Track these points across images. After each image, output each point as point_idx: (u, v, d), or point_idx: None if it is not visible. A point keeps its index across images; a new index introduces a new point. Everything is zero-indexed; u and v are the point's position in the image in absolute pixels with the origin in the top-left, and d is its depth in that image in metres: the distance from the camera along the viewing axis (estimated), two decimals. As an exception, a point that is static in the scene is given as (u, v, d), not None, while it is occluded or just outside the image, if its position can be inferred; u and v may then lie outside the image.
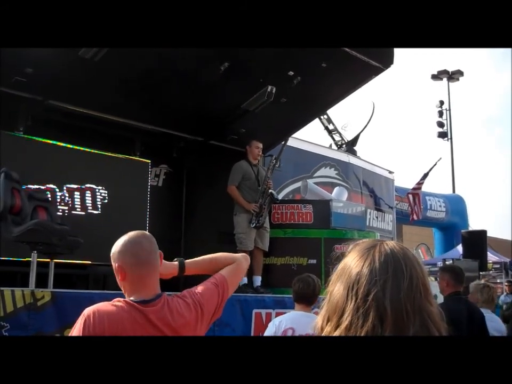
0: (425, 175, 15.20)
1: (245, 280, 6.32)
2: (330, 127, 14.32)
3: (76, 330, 1.94)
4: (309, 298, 3.88)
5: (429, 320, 1.12)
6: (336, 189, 10.68)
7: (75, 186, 6.64)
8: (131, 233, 2.13)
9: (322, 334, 1.18)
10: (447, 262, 11.55)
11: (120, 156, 7.10)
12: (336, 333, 1.14)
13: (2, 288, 3.80)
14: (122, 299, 2.03)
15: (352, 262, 1.19)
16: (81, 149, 6.67)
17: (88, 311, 1.95)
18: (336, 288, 1.18)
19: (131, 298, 2.03)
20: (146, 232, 2.24)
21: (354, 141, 14.14)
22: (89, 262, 6.48)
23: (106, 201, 6.88)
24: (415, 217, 14.87)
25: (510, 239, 20.18)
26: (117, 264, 2.08)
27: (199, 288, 2.21)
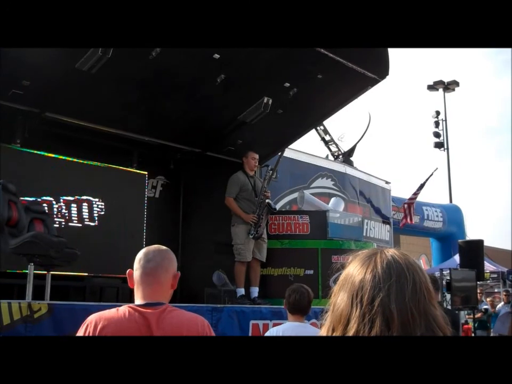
0: (422, 186, 15.23)
1: (242, 291, 6.31)
2: (327, 137, 14.35)
3: (78, 334, 2.03)
4: (304, 309, 3.88)
5: (434, 324, 1.12)
6: (332, 200, 10.70)
7: (72, 198, 6.64)
8: (152, 245, 2.28)
9: None
10: (444, 272, 11.55)
11: (117, 167, 7.11)
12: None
13: (-1, 301, 3.79)
14: (128, 304, 2.12)
15: (354, 270, 1.19)
16: (78, 161, 6.68)
17: (90, 317, 2.04)
18: (339, 298, 1.18)
19: (135, 303, 2.13)
20: (166, 248, 2.31)
21: (351, 151, 14.17)
22: (86, 274, 6.47)
23: (103, 213, 6.88)
24: (405, 221, 14.89)
25: (507, 248, 20.20)
26: (128, 270, 2.22)
27: None
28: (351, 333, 1.13)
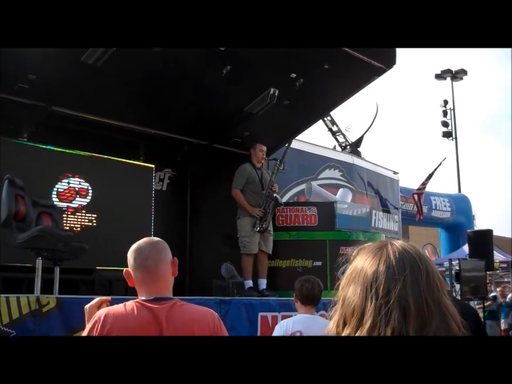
0: (430, 176, 15.19)
1: (250, 283, 6.30)
2: (334, 128, 14.31)
3: (86, 331, 2.01)
4: (316, 299, 3.86)
5: (448, 314, 1.12)
6: (340, 191, 10.65)
7: (79, 191, 6.64)
8: (140, 240, 2.22)
9: None
10: (453, 262, 11.51)
11: (124, 160, 7.10)
12: (357, 335, 1.12)
13: (7, 295, 3.80)
14: (135, 299, 2.10)
15: (365, 262, 1.17)
16: (85, 154, 6.68)
17: (99, 312, 2.03)
18: (350, 291, 1.16)
19: (142, 298, 2.10)
20: (156, 238, 2.29)
21: (358, 142, 14.13)
22: (95, 267, 6.48)
23: (110, 206, 6.88)
24: (419, 216, 14.90)
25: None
26: (124, 270, 2.18)
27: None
28: (367, 325, 1.11)
